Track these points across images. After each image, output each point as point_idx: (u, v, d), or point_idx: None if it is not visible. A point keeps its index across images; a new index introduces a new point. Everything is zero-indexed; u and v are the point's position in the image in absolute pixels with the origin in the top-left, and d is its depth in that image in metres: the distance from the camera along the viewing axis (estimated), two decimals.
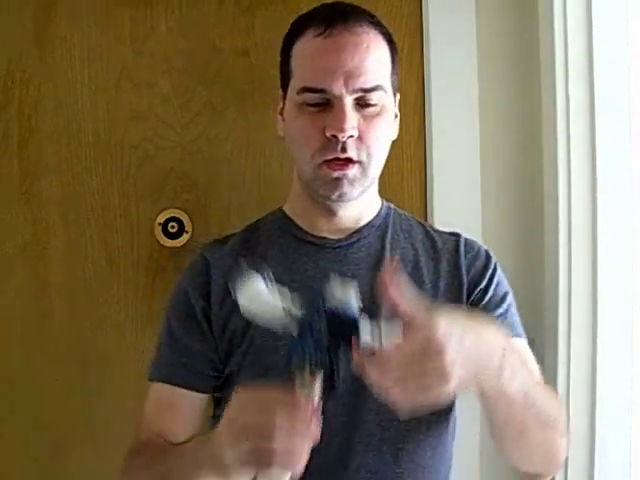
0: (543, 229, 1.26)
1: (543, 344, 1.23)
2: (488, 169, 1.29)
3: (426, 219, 1.29)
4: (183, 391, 0.96)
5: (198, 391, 0.97)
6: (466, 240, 1.04)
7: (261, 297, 0.72)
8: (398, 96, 1.00)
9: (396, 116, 1.00)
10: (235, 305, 0.79)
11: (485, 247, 1.05)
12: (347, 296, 0.70)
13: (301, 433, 0.68)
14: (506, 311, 0.99)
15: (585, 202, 1.18)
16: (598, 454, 1.18)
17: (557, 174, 1.20)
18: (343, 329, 0.68)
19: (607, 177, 1.18)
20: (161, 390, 0.97)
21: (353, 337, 0.68)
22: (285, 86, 0.96)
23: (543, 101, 1.26)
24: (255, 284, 0.73)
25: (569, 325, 1.18)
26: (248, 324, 0.92)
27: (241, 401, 0.73)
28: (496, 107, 1.30)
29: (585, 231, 1.19)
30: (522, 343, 0.99)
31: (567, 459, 1.17)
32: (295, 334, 0.71)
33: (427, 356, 0.66)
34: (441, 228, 1.09)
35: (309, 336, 0.69)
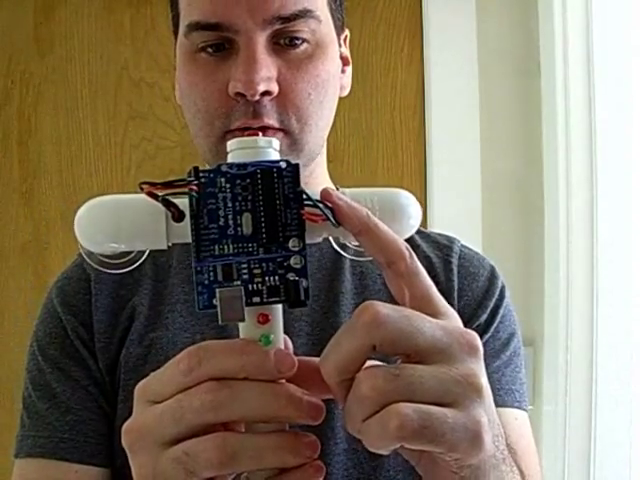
0: (543, 229, 1.26)
1: (543, 344, 1.23)
2: (488, 169, 1.29)
3: (426, 219, 1.29)
4: (74, 467, 0.63)
5: (94, 465, 0.63)
6: (462, 250, 0.71)
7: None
8: (347, 34, 0.68)
9: (346, 63, 0.68)
10: (126, 333, 0.63)
11: (490, 262, 0.72)
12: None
13: (270, 392, 0.35)
14: (507, 363, 0.66)
15: (585, 202, 1.19)
16: (598, 453, 1.18)
17: (557, 173, 1.20)
18: (271, 195, 0.36)
19: (607, 177, 1.18)
20: (38, 469, 0.63)
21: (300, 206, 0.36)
22: (176, 32, 0.66)
23: (543, 100, 1.26)
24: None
25: (569, 325, 1.18)
26: (145, 354, 0.64)
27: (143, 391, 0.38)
28: (496, 107, 1.30)
29: (585, 231, 1.19)
30: (522, 419, 0.65)
31: (565, 458, 1.18)
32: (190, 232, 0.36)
33: (459, 363, 0.35)
34: (433, 229, 0.78)
35: (219, 235, 0.35)
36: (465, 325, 0.63)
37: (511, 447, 0.53)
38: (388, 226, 0.38)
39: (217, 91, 0.59)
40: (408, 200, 0.40)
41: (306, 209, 0.36)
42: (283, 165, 0.36)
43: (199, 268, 0.35)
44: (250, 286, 0.35)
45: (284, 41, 0.59)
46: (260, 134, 0.38)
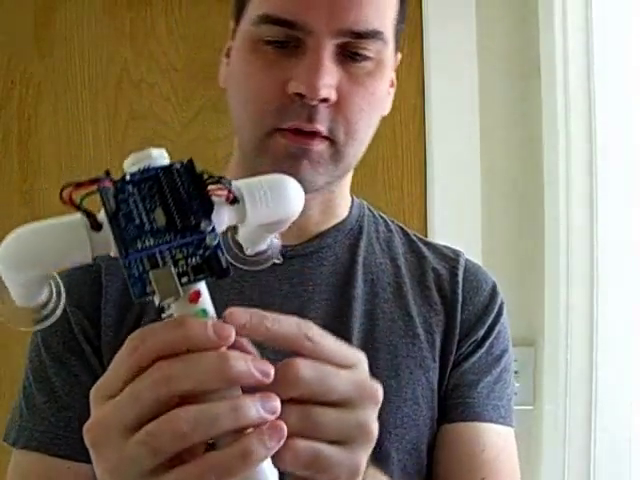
0: (543, 229, 1.26)
1: (543, 344, 1.23)
2: (488, 169, 1.29)
3: (426, 220, 1.29)
4: (66, 463, 0.63)
5: (86, 462, 0.60)
6: (467, 264, 0.73)
7: None
8: (399, 56, 0.70)
9: (392, 85, 0.70)
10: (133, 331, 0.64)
11: (492, 277, 0.74)
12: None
13: (215, 363, 0.36)
14: (497, 380, 0.69)
15: (585, 202, 1.19)
16: (598, 453, 1.18)
17: (557, 174, 1.20)
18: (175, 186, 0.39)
19: (607, 177, 1.18)
20: (33, 462, 0.64)
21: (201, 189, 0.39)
22: (239, 15, 0.64)
23: (543, 101, 1.26)
24: None
25: (569, 325, 1.19)
26: None
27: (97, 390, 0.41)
28: (496, 108, 1.30)
29: (585, 231, 1.19)
30: (505, 434, 0.68)
31: (565, 458, 1.18)
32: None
33: (362, 396, 0.41)
34: (438, 240, 0.80)
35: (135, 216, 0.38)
36: (463, 338, 0.68)
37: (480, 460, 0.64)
38: (275, 206, 0.41)
39: (274, 85, 0.59)
40: (291, 184, 0.43)
41: (210, 187, 0.40)
42: (178, 165, 0.40)
43: (127, 263, 0.38)
44: (176, 269, 0.38)
45: (349, 54, 0.60)
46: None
